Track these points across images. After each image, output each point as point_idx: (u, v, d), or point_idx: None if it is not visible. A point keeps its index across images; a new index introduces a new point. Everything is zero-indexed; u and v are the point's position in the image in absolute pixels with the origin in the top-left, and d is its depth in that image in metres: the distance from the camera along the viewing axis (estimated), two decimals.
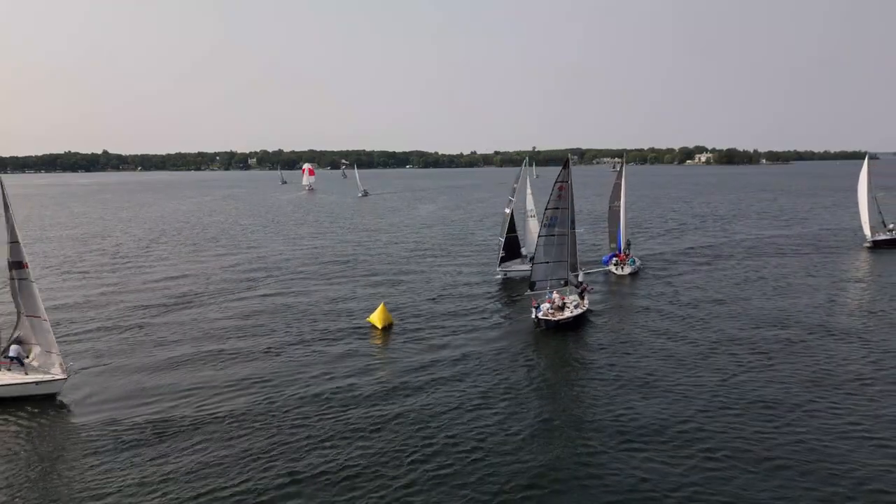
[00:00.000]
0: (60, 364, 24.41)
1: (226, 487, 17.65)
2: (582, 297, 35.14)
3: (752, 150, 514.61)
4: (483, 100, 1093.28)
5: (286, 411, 22.80)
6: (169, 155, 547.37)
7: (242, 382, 25.78)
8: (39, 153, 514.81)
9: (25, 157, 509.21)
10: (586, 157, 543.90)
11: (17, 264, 24.48)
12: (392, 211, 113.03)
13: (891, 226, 60.07)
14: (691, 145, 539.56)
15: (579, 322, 32.77)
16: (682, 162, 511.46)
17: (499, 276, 45.48)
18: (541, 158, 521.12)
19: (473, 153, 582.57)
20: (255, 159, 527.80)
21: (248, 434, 21.04)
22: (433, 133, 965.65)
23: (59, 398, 24.10)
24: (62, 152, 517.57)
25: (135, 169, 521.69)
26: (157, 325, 34.93)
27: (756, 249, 59.07)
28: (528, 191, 47.49)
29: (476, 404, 23.07)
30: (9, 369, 24.67)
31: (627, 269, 46.52)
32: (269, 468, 18.68)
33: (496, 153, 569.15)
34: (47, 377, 24.14)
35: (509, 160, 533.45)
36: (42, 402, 23.81)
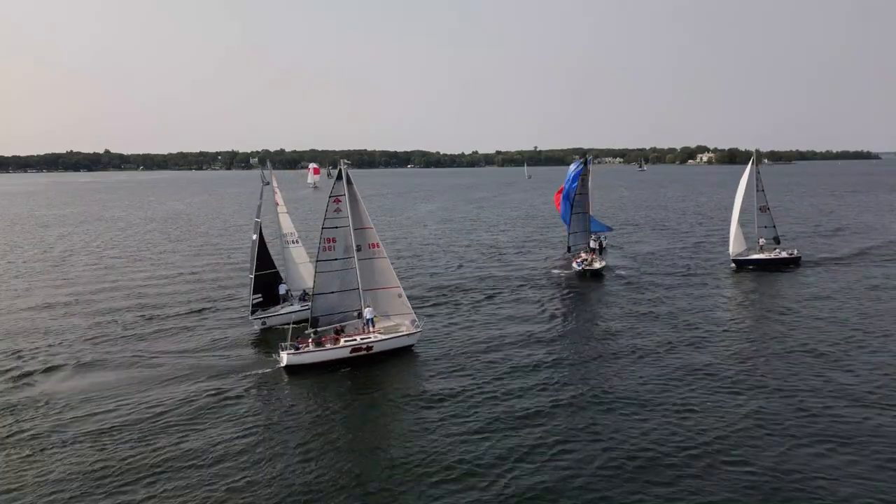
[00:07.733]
0: (413, 321, 30.25)
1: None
2: (601, 254, 50.04)
3: (753, 150, 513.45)
4: (485, 100, 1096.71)
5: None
6: (171, 154, 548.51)
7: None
8: (41, 153, 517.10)
9: (27, 157, 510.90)
10: (587, 157, 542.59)
11: (357, 248, 29.42)
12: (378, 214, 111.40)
13: (762, 241, 49.08)
14: (693, 145, 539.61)
15: (603, 271, 47.18)
16: (683, 162, 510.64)
17: (255, 328, 33.13)
18: (542, 158, 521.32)
19: (475, 153, 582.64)
20: (256, 159, 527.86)
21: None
22: (435, 132, 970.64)
23: (413, 348, 30.08)
24: (64, 152, 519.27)
25: (136, 168, 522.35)
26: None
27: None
28: (282, 207, 35.15)
29: (551, 331, 33.21)
30: (367, 330, 29.40)
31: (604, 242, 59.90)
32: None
33: (498, 153, 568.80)
34: (413, 331, 30.05)
35: (511, 160, 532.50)
36: (404, 352, 29.78)
